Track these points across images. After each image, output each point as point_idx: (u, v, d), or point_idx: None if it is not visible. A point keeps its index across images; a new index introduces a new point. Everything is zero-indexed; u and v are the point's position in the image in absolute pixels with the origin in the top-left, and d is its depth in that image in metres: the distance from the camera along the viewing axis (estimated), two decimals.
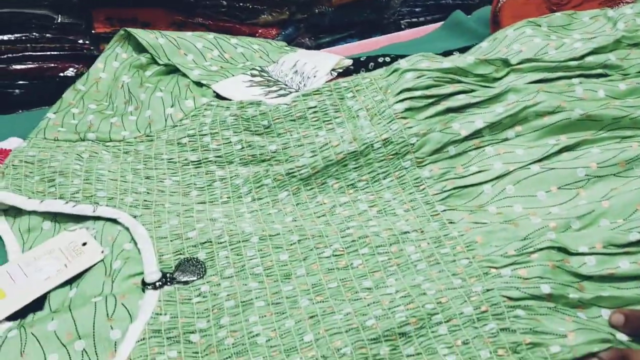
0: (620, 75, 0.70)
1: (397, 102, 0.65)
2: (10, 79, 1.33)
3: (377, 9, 1.62)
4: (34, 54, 1.32)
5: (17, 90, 1.33)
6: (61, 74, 1.34)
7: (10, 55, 1.31)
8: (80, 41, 1.36)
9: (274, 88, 0.78)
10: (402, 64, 0.70)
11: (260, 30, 1.57)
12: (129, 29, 0.84)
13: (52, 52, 1.34)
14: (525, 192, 0.59)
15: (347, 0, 1.59)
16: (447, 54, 0.82)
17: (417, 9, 1.61)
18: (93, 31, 1.37)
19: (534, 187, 0.59)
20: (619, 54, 0.72)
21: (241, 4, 1.52)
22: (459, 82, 0.67)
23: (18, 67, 1.32)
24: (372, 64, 0.81)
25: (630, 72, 0.71)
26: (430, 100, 0.66)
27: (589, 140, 0.62)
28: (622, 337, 0.47)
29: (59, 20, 1.32)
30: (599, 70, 0.71)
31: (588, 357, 0.43)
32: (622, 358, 0.42)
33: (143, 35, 0.83)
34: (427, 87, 0.66)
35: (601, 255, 0.52)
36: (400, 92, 0.66)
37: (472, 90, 0.67)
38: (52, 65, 1.34)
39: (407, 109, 0.65)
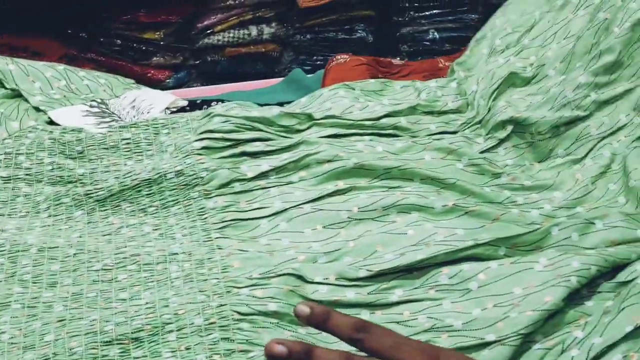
0: (409, 137, 0.80)
1: (196, 141, 0.72)
2: None
3: (269, 63, 1.72)
4: None
5: None
6: None
7: None
8: None
9: (107, 119, 0.84)
10: (217, 109, 0.78)
11: (152, 72, 1.64)
12: None
13: None
14: (295, 229, 0.67)
15: (240, 52, 1.69)
16: (280, 104, 0.91)
17: (306, 67, 1.72)
18: None
19: (303, 224, 0.67)
20: (412, 118, 0.82)
21: (135, 45, 1.59)
22: (260, 130, 0.75)
23: None
24: (205, 106, 0.89)
25: (420, 135, 0.81)
26: (229, 143, 0.73)
27: (361, 187, 0.71)
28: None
29: None
30: (390, 131, 0.80)
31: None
32: (306, 353, 0.40)
33: None
34: (229, 131, 0.74)
35: (333, 285, 0.59)
36: (203, 132, 0.74)
37: (270, 139, 0.75)
38: None
39: (204, 147, 0.72)
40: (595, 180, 0.71)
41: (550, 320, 0.55)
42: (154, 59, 1.61)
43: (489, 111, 0.82)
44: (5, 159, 0.73)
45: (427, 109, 0.84)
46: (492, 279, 0.59)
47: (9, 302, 0.57)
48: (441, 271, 0.61)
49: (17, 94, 0.87)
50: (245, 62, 1.72)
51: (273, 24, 1.70)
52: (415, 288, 0.60)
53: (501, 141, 0.78)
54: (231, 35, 1.66)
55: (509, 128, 0.78)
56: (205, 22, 1.63)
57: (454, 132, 0.82)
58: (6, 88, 0.87)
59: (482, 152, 0.77)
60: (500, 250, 0.63)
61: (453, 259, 0.62)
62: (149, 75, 1.61)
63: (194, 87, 1.68)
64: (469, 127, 0.82)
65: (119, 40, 1.56)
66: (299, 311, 0.42)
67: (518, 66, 0.87)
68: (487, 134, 0.80)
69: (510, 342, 0.52)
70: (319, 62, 1.74)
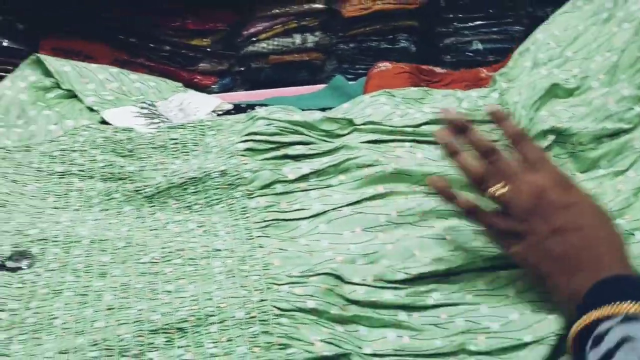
0: None
1: (240, 142, 0.75)
2: None
3: (312, 71, 1.75)
4: None
5: None
6: None
7: None
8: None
9: (157, 120, 0.87)
10: (261, 112, 0.81)
11: (198, 77, 1.68)
12: (38, 55, 0.93)
13: None
14: (334, 230, 0.68)
15: (284, 60, 1.72)
16: (322, 110, 0.93)
17: (348, 76, 1.74)
18: None
19: (342, 226, 0.69)
20: None
21: (182, 51, 1.64)
22: (302, 134, 0.77)
23: None
24: (250, 110, 0.92)
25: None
26: (271, 146, 0.76)
27: (400, 192, 0.72)
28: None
29: (3, 44, 1.42)
30: (431, 138, 0.81)
31: None
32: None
33: (51, 61, 0.92)
34: (272, 134, 0.76)
35: (370, 287, 0.61)
36: (247, 134, 0.76)
37: (311, 143, 0.77)
38: None
39: (247, 149, 0.74)
40: (638, 192, 0.71)
41: None
42: (201, 65, 1.65)
43: (530, 121, 0.82)
44: (60, 155, 0.77)
45: (469, 117, 0.85)
46: (530, 286, 0.60)
47: (62, 289, 0.60)
48: (479, 276, 0.62)
49: (72, 95, 0.91)
50: (288, 70, 1.75)
51: (317, 33, 1.72)
52: (453, 292, 0.61)
53: None
54: (276, 43, 1.69)
55: (551, 138, 0.78)
56: (251, 30, 1.67)
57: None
58: (62, 89, 0.91)
59: None
60: None
61: (491, 265, 0.63)
62: (195, 80, 1.65)
63: (238, 93, 1.72)
64: None
65: (167, 47, 1.61)
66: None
67: (561, 78, 0.87)
68: None
69: (549, 341, 0.53)
70: (361, 71, 1.75)
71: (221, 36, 1.66)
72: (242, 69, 1.70)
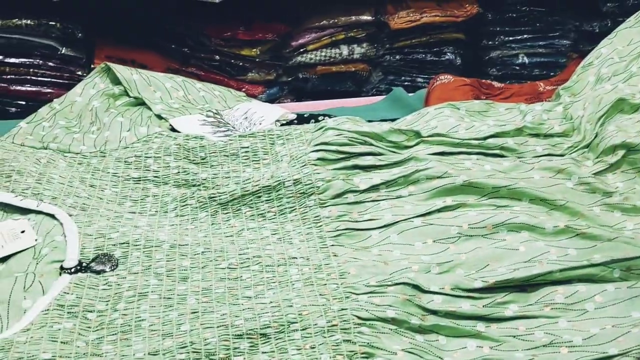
0: (516, 157, 0.81)
1: (312, 152, 0.76)
2: (10, 97, 1.46)
3: (357, 82, 1.76)
4: (34, 78, 1.45)
5: (13, 109, 1.45)
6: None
7: (13, 76, 1.44)
8: (79, 73, 1.49)
9: (222, 129, 0.89)
10: (329, 122, 0.82)
11: (246, 87, 1.70)
12: (109, 63, 0.96)
13: (52, 79, 1.47)
14: (406, 241, 0.69)
15: (331, 70, 1.73)
16: (382, 121, 0.94)
17: (394, 87, 1.75)
18: (92, 65, 1.50)
19: (413, 237, 0.69)
20: (518, 139, 0.84)
21: (232, 61, 1.66)
22: (371, 144, 0.78)
23: (18, 88, 1.45)
24: (313, 120, 0.93)
25: (526, 156, 0.82)
26: (342, 156, 0.77)
27: (469, 204, 0.73)
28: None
29: (62, 52, 1.45)
30: (497, 151, 0.82)
31: None
32: None
33: (120, 70, 0.95)
34: (342, 145, 0.77)
35: (448, 295, 0.61)
36: (318, 144, 0.77)
37: (380, 154, 0.78)
38: (50, 90, 1.47)
39: (319, 158, 0.76)
40: None
41: None
42: (249, 74, 1.67)
43: (596, 136, 0.82)
44: (135, 161, 0.79)
45: (534, 131, 0.85)
46: (610, 301, 0.60)
47: (147, 292, 0.62)
48: (556, 290, 0.62)
49: (140, 102, 0.93)
50: (335, 81, 1.76)
51: (364, 44, 1.74)
52: (530, 305, 0.61)
53: (611, 166, 0.78)
54: (323, 54, 1.71)
55: (620, 153, 0.78)
56: (299, 41, 1.68)
57: (561, 155, 0.82)
58: (130, 96, 0.93)
59: None
60: (615, 272, 0.63)
61: (567, 278, 0.63)
62: (243, 90, 1.66)
63: (285, 102, 1.74)
64: (576, 151, 0.83)
65: (217, 56, 1.63)
66: None
67: (627, 92, 0.87)
68: (596, 158, 0.80)
69: (634, 354, 0.53)
70: (407, 83, 1.76)
71: (270, 46, 1.68)
72: (290, 79, 1.72)
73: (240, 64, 1.68)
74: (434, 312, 0.60)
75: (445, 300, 0.61)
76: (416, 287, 0.62)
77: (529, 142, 0.84)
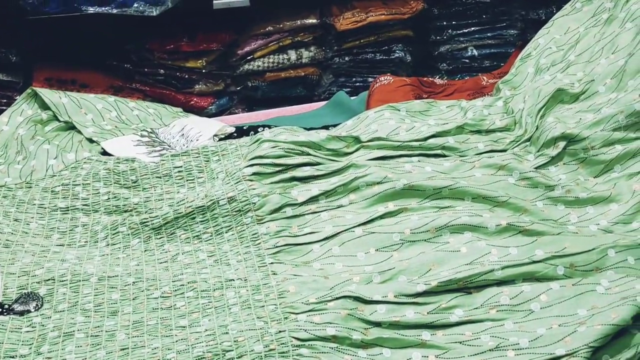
0: (457, 156, 0.80)
1: (247, 167, 0.73)
2: None
3: (308, 86, 1.73)
4: None
5: None
6: None
7: None
8: (17, 97, 1.43)
9: (158, 148, 0.86)
10: (265, 134, 0.79)
11: (195, 99, 1.66)
12: (35, 88, 0.92)
13: None
14: (348, 252, 0.67)
15: (280, 77, 1.71)
16: (325, 128, 0.92)
17: (345, 89, 1.73)
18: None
19: (355, 248, 0.67)
20: (460, 138, 0.82)
21: (178, 74, 1.62)
22: (308, 154, 0.76)
23: None
24: (252, 132, 0.90)
25: (468, 154, 0.81)
26: (279, 168, 0.74)
27: (412, 208, 0.71)
28: None
29: None
30: (438, 151, 0.80)
31: None
32: None
33: (48, 94, 0.91)
34: (278, 157, 0.75)
35: (391, 304, 0.59)
36: (253, 158, 0.75)
37: (318, 163, 0.76)
38: None
39: (254, 173, 0.73)
40: None
41: (619, 339, 0.53)
42: (197, 86, 1.63)
43: (537, 129, 0.81)
44: (63, 190, 0.75)
45: (475, 128, 0.84)
46: (555, 300, 0.58)
47: (73, 331, 0.58)
48: (502, 292, 0.60)
49: (70, 126, 0.89)
50: (285, 86, 1.73)
51: (312, 48, 1.71)
52: (476, 308, 0.59)
53: (552, 159, 0.77)
54: (271, 60, 1.68)
55: (561, 145, 0.77)
56: (246, 49, 1.65)
57: (503, 150, 0.81)
58: (59, 121, 0.90)
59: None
60: (559, 270, 0.62)
61: (510, 278, 0.61)
62: (192, 102, 1.63)
63: (236, 112, 1.70)
64: (518, 145, 0.82)
65: (162, 70, 1.59)
66: None
67: (565, 82, 0.86)
68: (537, 151, 0.79)
69: (582, 354, 0.52)
70: (358, 84, 1.74)
71: (216, 56, 1.64)
72: (239, 88, 1.69)
73: (187, 76, 1.64)
74: (377, 324, 0.58)
75: (389, 310, 0.59)
76: (358, 299, 0.60)
77: (471, 139, 0.82)
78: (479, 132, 0.84)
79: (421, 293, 0.60)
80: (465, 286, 0.61)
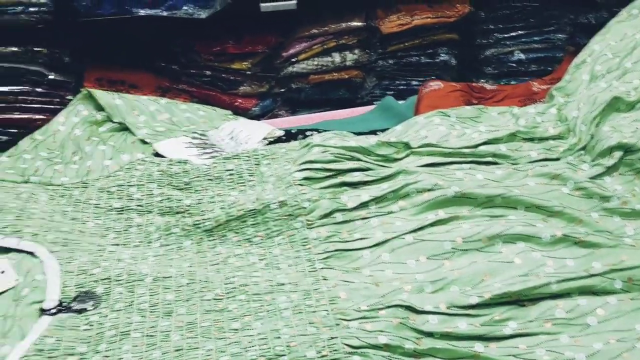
0: (509, 164, 0.79)
1: (297, 171, 0.74)
2: (0, 126, 1.44)
3: (352, 89, 1.73)
4: (24, 105, 1.44)
5: (4, 137, 1.43)
6: None
7: (2, 105, 1.42)
8: (69, 97, 1.47)
9: (208, 150, 0.87)
10: (315, 139, 0.80)
11: (239, 100, 1.68)
12: (90, 90, 0.94)
13: (42, 106, 1.45)
14: (398, 260, 0.67)
15: (323, 79, 1.71)
16: (372, 132, 0.92)
17: (388, 92, 1.72)
18: (82, 89, 1.48)
19: (406, 255, 0.67)
20: (512, 145, 0.81)
21: (223, 75, 1.64)
22: (358, 160, 0.76)
23: (8, 116, 1.44)
24: (301, 136, 0.91)
25: (520, 162, 0.80)
26: (329, 173, 0.74)
27: (463, 216, 0.70)
28: None
29: (50, 77, 1.44)
30: (490, 159, 0.79)
31: None
32: None
33: (102, 96, 0.93)
34: (328, 162, 0.75)
35: (443, 315, 0.59)
36: (303, 162, 0.75)
37: (369, 169, 0.76)
38: (41, 117, 1.45)
39: (305, 178, 0.73)
40: None
41: None
42: (242, 88, 1.65)
43: (592, 137, 0.80)
44: (118, 190, 0.77)
45: (527, 135, 0.83)
46: (612, 314, 0.57)
47: (129, 330, 0.59)
48: (557, 305, 0.59)
49: (124, 127, 0.91)
50: (328, 89, 1.74)
51: (356, 51, 1.71)
52: (530, 321, 0.59)
53: (608, 169, 0.76)
54: (315, 62, 1.69)
55: (617, 155, 0.75)
56: (290, 51, 1.66)
57: (556, 159, 0.80)
58: (113, 122, 0.92)
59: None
60: (616, 284, 0.60)
61: (566, 291, 0.60)
62: (236, 104, 1.65)
63: (279, 114, 1.71)
64: (572, 154, 0.80)
65: (208, 71, 1.62)
66: None
67: (621, 90, 0.84)
68: (592, 161, 0.77)
69: None
70: (401, 87, 1.74)
71: (261, 58, 1.66)
72: (283, 90, 1.70)
73: (232, 77, 1.66)
74: (430, 335, 0.58)
75: (441, 321, 0.59)
76: (409, 309, 0.59)
77: (523, 147, 0.81)
78: (531, 139, 0.83)
79: (474, 305, 0.59)
80: (519, 298, 0.60)
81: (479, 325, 0.58)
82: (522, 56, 1.75)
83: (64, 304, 0.62)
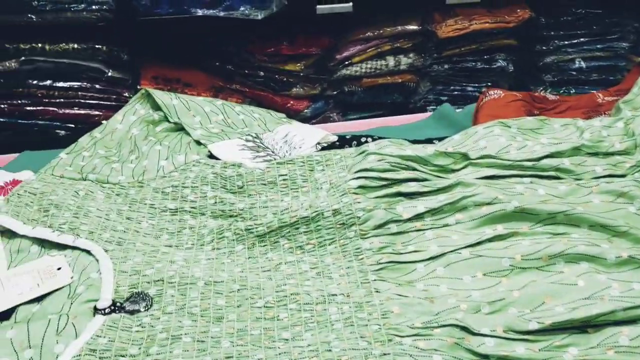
0: (572, 179, 0.76)
1: (352, 179, 0.73)
2: (59, 121, 1.48)
3: (405, 93, 1.71)
4: (83, 101, 1.47)
5: (62, 132, 1.47)
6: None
7: (62, 100, 1.46)
8: (126, 94, 1.50)
9: (262, 153, 0.87)
10: (370, 146, 0.78)
11: (292, 102, 1.68)
12: (148, 89, 0.95)
13: (99, 102, 1.48)
14: (453, 275, 0.65)
15: (376, 82, 1.69)
16: (428, 141, 0.90)
17: (442, 97, 1.70)
18: (139, 87, 1.51)
19: (461, 271, 0.65)
20: (576, 159, 0.78)
21: (276, 76, 1.64)
22: (414, 169, 0.74)
23: (67, 111, 1.47)
24: (355, 142, 0.89)
25: (584, 178, 0.76)
26: (384, 183, 0.73)
27: (523, 233, 0.68)
28: None
29: (108, 74, 1.47)
30: (552, 173, 0.76)
31: None
32: None
33: (160, 95, 0.94)
34: (384, 171, 0.73)
35: (500, 338, 0.57)
36: (359, 171, 0.74)
37: (425, 179, 0.74)
38: (98, 113, 1.49)
39: (360, 186, 0.72)
40: None
41: None
42: (294, 89, 1.65)
43: None
44: (172, 191, 0.77)
45: (592, 150, 0.79)
46: None
47: (180, 334, 0.59)
48: (621, 331, 0.56)
49: (179, 128, 0.92)
50: (381, 93, 1.72)
51: (410, 55, 1.69)
52: (592, 348, 0.56)
53: None
54: (369, 66, 1.67)
55: None
56: (344, 54, 1.65)
57: (622, 176, 0.76)
58: (169, 122, 0.92)
59: None
60: None
61: (633, 317, 0.57)
62: (288, 105, 1.65)
63: (331, 116, 1.70)
64: (639, 171, 0.76)
65: (261, 72, 1.62)
66: None
67: None
68: None
69: None
70: (456, 92, 1.71)
71: (314, 60, 1.65)
72: (335, 92, 1.69)
73: (285, 79, 1.66)
74: (486, 357, 0.56)
75: (498, 344, 0.56)
76: (465, 329, 0.57)
77: (588, 162, 0.78)
78: (596, 154, 0.79)
79: (533, 331, 0.57)
80: (582, 325, 0.58)
81: (537, 350, 0.56)
82: (583, 64, 1.70)
83: (117, 304, 0.62)
